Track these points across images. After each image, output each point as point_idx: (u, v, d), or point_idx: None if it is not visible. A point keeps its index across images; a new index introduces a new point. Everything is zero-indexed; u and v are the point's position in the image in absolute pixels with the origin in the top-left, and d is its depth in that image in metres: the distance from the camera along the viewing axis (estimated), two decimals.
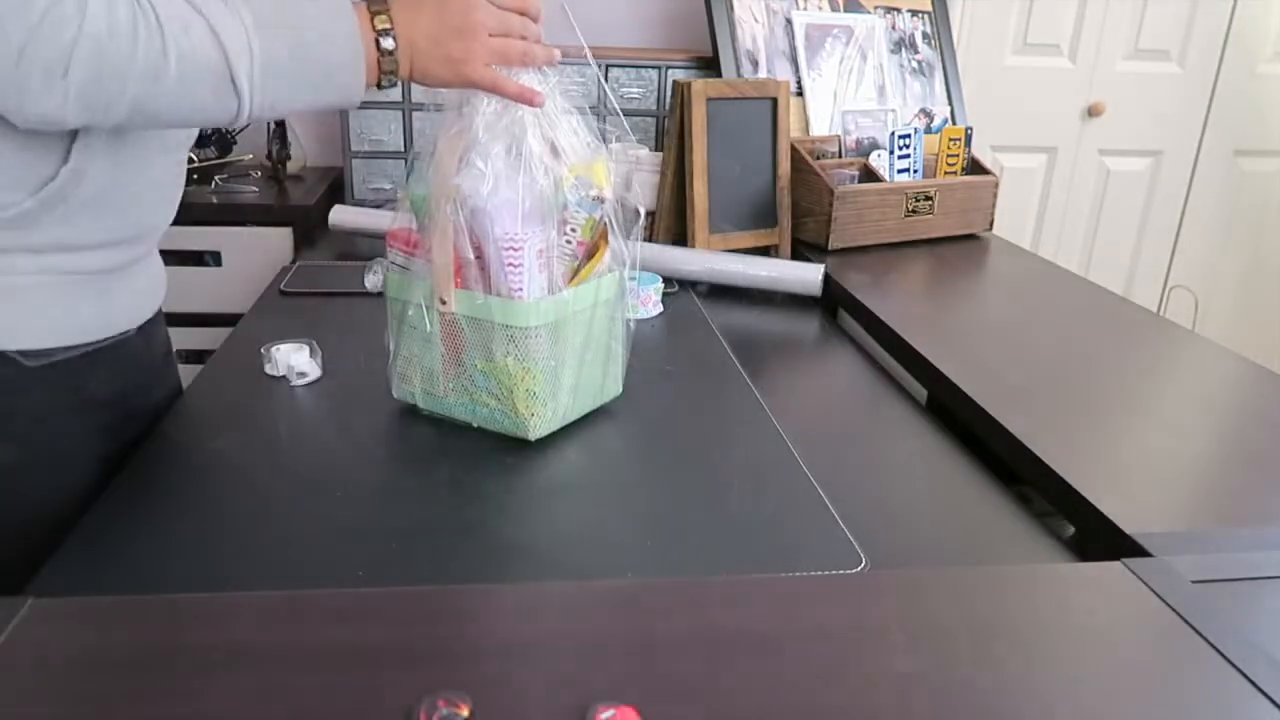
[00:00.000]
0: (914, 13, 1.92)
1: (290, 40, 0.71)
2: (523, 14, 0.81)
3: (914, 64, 1.91)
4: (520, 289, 0.83)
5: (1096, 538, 0.78)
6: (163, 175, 0.83)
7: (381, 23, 0.75)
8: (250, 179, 1.84)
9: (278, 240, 1.69)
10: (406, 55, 0.76)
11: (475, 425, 0.89)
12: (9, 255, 0.73)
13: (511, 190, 0.81)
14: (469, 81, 0.79)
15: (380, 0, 0.75)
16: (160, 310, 0.95)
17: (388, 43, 0.75)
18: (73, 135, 0.71)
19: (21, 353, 0.75)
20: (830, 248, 1.56)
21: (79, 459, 0.81)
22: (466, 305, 0.84)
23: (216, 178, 1.80)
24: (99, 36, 0.62)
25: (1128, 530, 0.75)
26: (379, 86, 0.77)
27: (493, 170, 0.81)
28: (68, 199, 0.73)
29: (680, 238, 1.57)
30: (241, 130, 1.94)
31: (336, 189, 1.87)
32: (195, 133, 0.91)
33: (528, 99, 0.80)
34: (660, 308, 1.29)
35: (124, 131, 0.74)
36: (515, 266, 0.82)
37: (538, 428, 0.87)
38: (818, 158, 1.64)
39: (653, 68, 1.90)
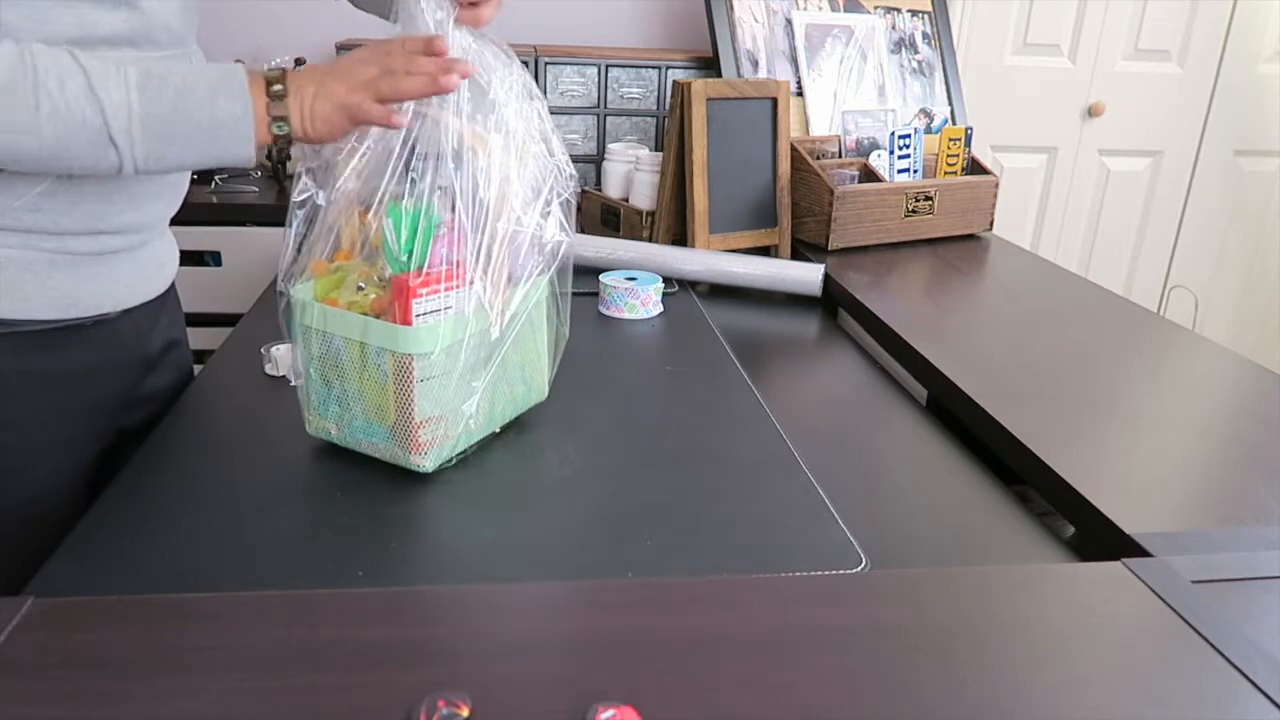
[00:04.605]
0: (914, 13, 1.92)
1: (174, 98, 0.72)
2: (430, 54, 0.78)
3: (914, 64, 1.91)
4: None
5: (1096, 538, 0.78)
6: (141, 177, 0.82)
7: (273, 74, 0.76)
8: (250, 179, 1.84)
9: (278, 240, 1.68)
10: (298, 104, 0.77)
11: (499, 431, 0.89)
12: None
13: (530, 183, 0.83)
14: (359, 119, 0.77)
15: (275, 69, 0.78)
16: (163, 300, 0.95)
17: (277, 87, 0.76)
18: None
19: None
20: (830, 248, 1.56)
21: (48, 432, 0.82)
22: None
23: (216, 178, 1.80)
24: None
25: (1128, 530, 0.75)
26: (274, 138, 0.77)
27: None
28: (33, 188, 0.75)
29: (680, 238, 1.57)
30: None
31: None
32: None
33: (398, 125, 0.77)
34: (660, 308, 1.29)
35: None
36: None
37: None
38: (818, 158, 1.64)
39: (653, 68, 1.90)
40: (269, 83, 0.76)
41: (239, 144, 0.76)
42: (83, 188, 0.77)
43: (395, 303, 0.76)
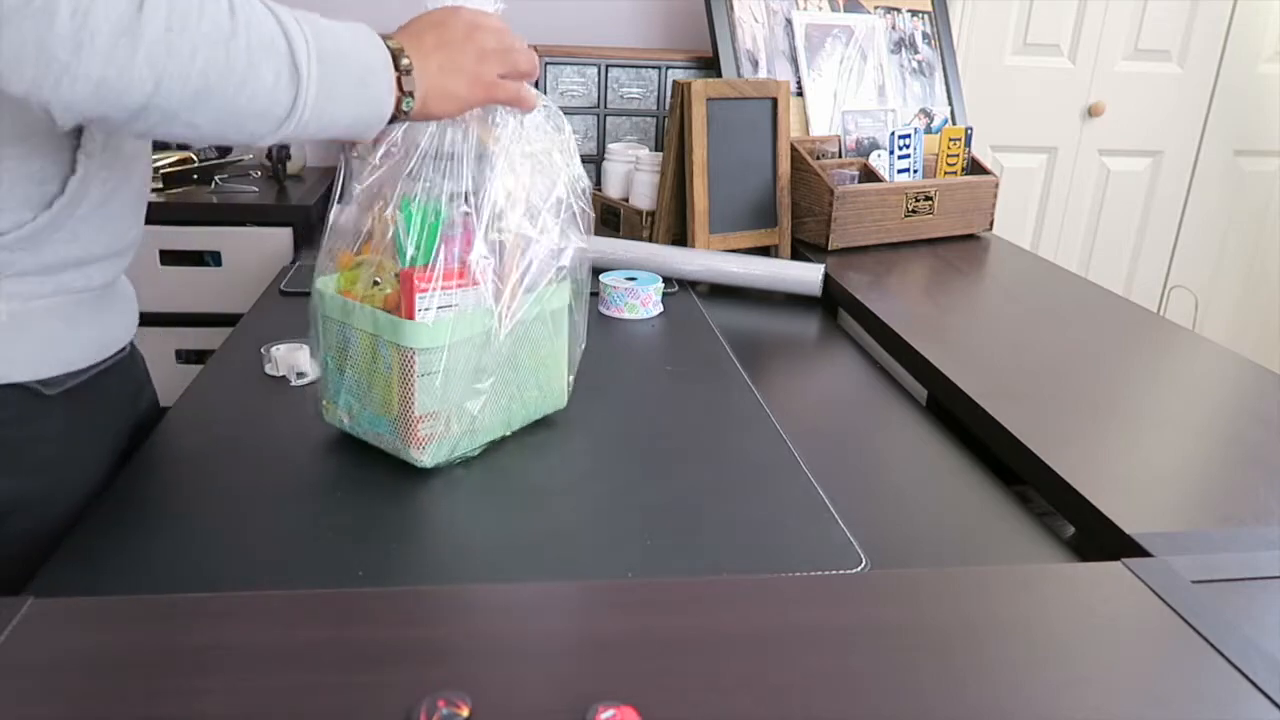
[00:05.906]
0: (914, 13, 1.92)
1: (332, 39, 0.66)
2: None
3: (914, 64, 1.91)
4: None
5: (1096, 538, 0.78)
6: (144, 181, 0.81)
7: (394, 44, 0.71)
8: (250, 179, 1.84)
9: (278, 240, 1.69)
10: (423, 80, 0.72)
11: (509, 434, 0.89)
12: (25, 279, 0.70)
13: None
14: (493, 97, 0.77)
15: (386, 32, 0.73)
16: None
17: (406, 61, 0.71)
18: (75, 143, 0.69)
19: (41, 382, 0.73)
20: (830, 248, 1.56)
21: (100, 478, 0.80)
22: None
23: (216, 178, 1.80)
24: None
25: (1128, 530, 0.75)
26: (397, 113, 0.72)
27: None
28: (75, 213, 0.70)
29: (680, 238, 1.57)
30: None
31: None
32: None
33: (531, 104, 0.81)
34: (660, 308, 1.29)
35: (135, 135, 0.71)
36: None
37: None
38: (818, 158, 1.64)
39: (653, 68, 1.90)
40: (393, 54, 0.70)
41: (382, 101, 0.69)
42: (105, 205, 0.74)
43: (401, 296, 0.77)
